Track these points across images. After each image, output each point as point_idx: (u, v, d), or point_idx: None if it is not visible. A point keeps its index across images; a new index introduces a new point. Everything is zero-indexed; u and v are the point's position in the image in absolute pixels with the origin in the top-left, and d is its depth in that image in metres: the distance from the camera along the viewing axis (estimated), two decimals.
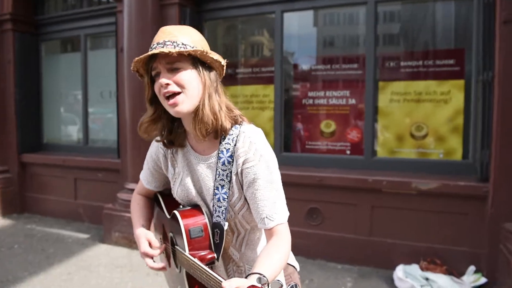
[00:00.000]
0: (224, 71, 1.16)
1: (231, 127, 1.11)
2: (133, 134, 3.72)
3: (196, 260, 1.02)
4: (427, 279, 2.89)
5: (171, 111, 1.08)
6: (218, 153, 1.12)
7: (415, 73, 3.47)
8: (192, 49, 1.04)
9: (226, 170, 1.10)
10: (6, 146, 5.02)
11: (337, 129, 3.76)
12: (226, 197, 1.10)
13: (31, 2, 5.03)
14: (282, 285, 0.72)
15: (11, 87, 4.91)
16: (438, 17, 3.54)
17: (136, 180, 1.66)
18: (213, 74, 1.12)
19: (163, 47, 1.03)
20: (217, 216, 1.10)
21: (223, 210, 1.10)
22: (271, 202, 1.06)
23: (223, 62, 1.12)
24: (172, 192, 1.25)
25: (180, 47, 1.03)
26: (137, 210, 1.35)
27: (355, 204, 3.39)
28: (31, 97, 5.12)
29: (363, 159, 3.56)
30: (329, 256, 3.46)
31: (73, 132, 5.26)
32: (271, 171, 1.08)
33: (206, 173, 1.15)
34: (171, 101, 1.06)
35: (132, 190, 2.82)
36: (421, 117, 3.43)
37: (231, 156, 1.10)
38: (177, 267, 1.20)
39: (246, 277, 0.86)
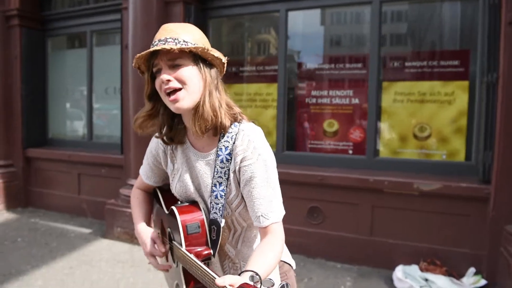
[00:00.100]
0: (225, 68, 1.17)
1: (231, 124, 1.12)
2: None
3: (191, 256, 1.03)
4: (426, 280, 2.89)
5: (172, 107, 1.10)
6: (217, 151, 1.13)
7: (419, 73, 3.46)
8: (193, 46, 1.06)
9: (224, 168, 1.11)
10: (12, 141, 5.06)
11: (340, 129, 3.76)
12: (223, 194, 1.11)
13: None
14: (273, 284, 0.73)
15: (17, 83, 4.95)
16: (443, 17, 3.52)
17: None
18: (214, 71, 1.13)
19: (164, 44, 1.04)
20: (214, 213, 1.12)
21: (220, 207, 1.11)
22: (267, 201, 1.07)
23: (224, 59, 1.13)
24: (170, 187, 1.26)
25: (182, 44, 1.05)
26: (136, 205, 1.37)
27: (356, 203, 3.39)
28: (37, 92, 5.15)
29: (365, 159, 3.55)
30: (329, 255, 3.46)
31: (79, 128, 5.29)
32: (268, 170, 1.09)
33: (205, 170, 1.16)
34: (172, 97, 1.07)
35: None
36: (425, 117, 3.42)
37: (230, 154, 1.11)
38: (174, 262, 1.21)
39: (239, 274, 0.87)
